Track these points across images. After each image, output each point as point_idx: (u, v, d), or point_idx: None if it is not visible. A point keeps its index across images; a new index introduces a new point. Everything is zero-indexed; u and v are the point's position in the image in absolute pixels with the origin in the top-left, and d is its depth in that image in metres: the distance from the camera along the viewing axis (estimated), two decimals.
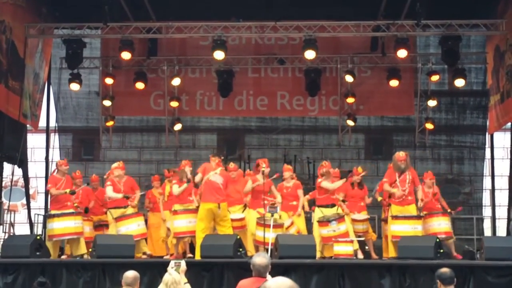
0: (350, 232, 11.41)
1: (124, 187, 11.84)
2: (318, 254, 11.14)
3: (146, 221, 12.67)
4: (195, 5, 14.68)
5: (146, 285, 9.46)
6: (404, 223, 11.18)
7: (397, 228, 11.24)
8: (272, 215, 10.88)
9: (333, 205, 11.63)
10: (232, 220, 11.42)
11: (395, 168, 11.48)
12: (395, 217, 11.34)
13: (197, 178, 11.39)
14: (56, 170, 11.97)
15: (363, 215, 12.05)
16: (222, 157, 12.05)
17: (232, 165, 12.19)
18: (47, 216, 11.96)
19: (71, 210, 11.55)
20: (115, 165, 12.15)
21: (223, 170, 11.51)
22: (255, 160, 15.87)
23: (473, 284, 9.72)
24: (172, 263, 6.62)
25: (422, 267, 9.99)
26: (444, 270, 6.65)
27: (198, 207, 11.41)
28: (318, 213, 11.61)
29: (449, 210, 12.25)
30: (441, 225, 11.78)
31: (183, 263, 6.59)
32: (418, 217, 11.27)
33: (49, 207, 15.75)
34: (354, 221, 11.89)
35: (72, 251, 11.67)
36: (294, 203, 12.03)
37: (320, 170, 11.94)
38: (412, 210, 11.37)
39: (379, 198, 12.39)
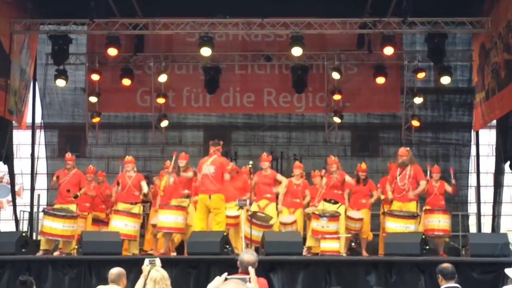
0: (342, 231, 11.42)
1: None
2: (309, 244, 11.25)
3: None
4: (182, 1, 14.64)
5: (133, 281, 9.40)
6: (397, 221, 11.23)
7: (390, 225, 11.33)
8: (241, 208, 10.92)
9: (335, 202, 11.66)
10: (228, 216, 11.43)
11: (397, 163, 11.63)
12: (390, 214, 11.42)
13: (198, 177, 11.40)
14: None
15: (359, 214, 11.99)
16: (221, 143, 11.89)
17: (231, 164, 12.20)
18: (43, 211, 11.97)
19: (65, 213, 11.46)
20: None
21: (216, 158, 11.37)
22: (242, 157, 15.94)
23: (458, 281, 9.65)
24: (146, 261, 6.61)
25: (408, 263, 10.04)
26: (446, 265, 6.87)
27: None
28: (320, 207, 11.69)
29: (453, 182, 12.30)
30: (440, 222, 11.82)
31: (157, 261, 6.58)
32: (412, 217, 11.26)
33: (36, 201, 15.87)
34: (348, 218, 11.87)
35: (64, 248, 11.64)
36: (297, 200, 12.06)
37: (331, 167, 11.90)
38: (411, 207, 11.44)
39: (382, 196, 12.39)
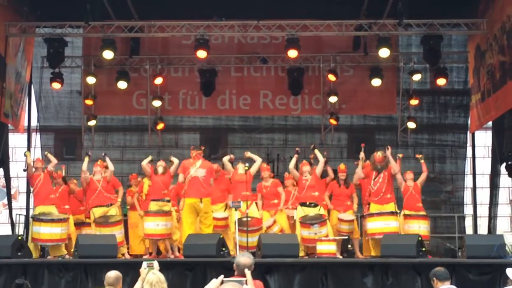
0: (330, 233, 11.44)
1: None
2: (301, 253, 11.19)
3: (126, 221, 12.67)
4: (178, 4, 14.64)
5: (129, 284, 9.40)
6: (377, 220, 11.38)
7: (371, 226, 11.42)
8: (236, 209, 10.91)
9: (315, 205, 11.64)
10: (216, 219, 11.44)
11: (373, 167, 11.66)
12: (370, 215, 11.49)
13: (180, 178, 11.43)
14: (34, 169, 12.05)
15: (350, 215, 12.02)
16: (203, 148, 11.99)
17: (215, 166, 12.19)
18: (33, 218, 11.83)
19: (59, 217, 11.45)
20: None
21: (203, 162, 11.48)
22: (238, 159, 15.93)
23: (454, 282, 9.72)
24: (144, 264, 6.60)
25: (404, 265, 10.05)
26: (438, 268, 6.99)
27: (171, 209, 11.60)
28: (300, 212, 11.63)
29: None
30: (420, 228, 11.84)
31: (155, 263, 6.57)
32: (391, 214, 11.37)
33: (32, 204, 15.81)
34: (340, 220, 11.90)
35: (52, 253, 11.61)
36: (275, 201, 12.05)
37: (304, 167, 11.95)
38: (390, 208, 11.48)
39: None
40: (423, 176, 12.24)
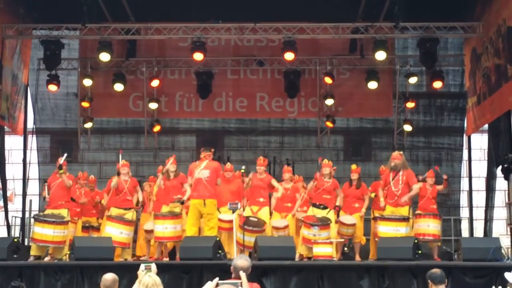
0: (334, 236, 11.40)
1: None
2: (300, 251, 11.19)
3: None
4: (174, 6, 14.64)
5: (125, 287, 9.41)
6: (387, 225, 11.18)
7: (381, 229, 11.29)
8: (233, 212, 10.91)
9: (325, 207, 11.62)
10: (221, 220, 11.40)
11: (389, 167, 11.58)
12: (381, 218, 11.40)
13: (189, 181, 11.38)
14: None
15: (351, 219, 11.88)
16: (212, 150, 11.94)
17: (228, 165, 12.15)
18: (34, 218, 11.84)
19: (55, 219, 11.40)
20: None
21: (209, 162, 11.41)
22: (235, 161, 15.96)
23: (450, 285, 9.76)
24: (142, 266, 6.59)
25: (401, 268, 10.05)
26: (434, 270, 7.01)
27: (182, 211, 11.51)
28: (309, 213, 11.63)
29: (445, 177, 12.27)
30: (429, 226, 11.77)
31: (153, 266, 6.57)
32: (402, 219, 11.17)
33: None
34: (341, 223, 11.82)
35: (55, 254, 11.57)
36: (289, 205, 12.00)
37: (324, 169, 11.79)
38: (404, 211, 11.33)
39: (373, 194, 12.27)
40: (441, 188, 12.27)
